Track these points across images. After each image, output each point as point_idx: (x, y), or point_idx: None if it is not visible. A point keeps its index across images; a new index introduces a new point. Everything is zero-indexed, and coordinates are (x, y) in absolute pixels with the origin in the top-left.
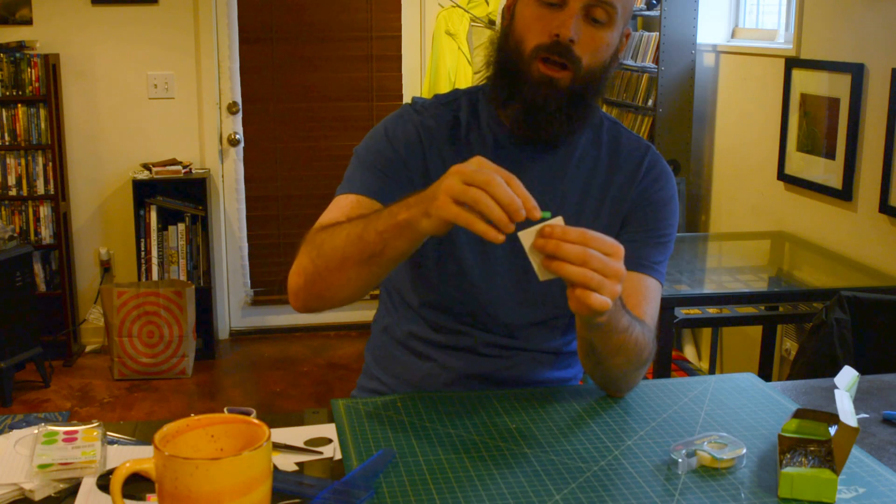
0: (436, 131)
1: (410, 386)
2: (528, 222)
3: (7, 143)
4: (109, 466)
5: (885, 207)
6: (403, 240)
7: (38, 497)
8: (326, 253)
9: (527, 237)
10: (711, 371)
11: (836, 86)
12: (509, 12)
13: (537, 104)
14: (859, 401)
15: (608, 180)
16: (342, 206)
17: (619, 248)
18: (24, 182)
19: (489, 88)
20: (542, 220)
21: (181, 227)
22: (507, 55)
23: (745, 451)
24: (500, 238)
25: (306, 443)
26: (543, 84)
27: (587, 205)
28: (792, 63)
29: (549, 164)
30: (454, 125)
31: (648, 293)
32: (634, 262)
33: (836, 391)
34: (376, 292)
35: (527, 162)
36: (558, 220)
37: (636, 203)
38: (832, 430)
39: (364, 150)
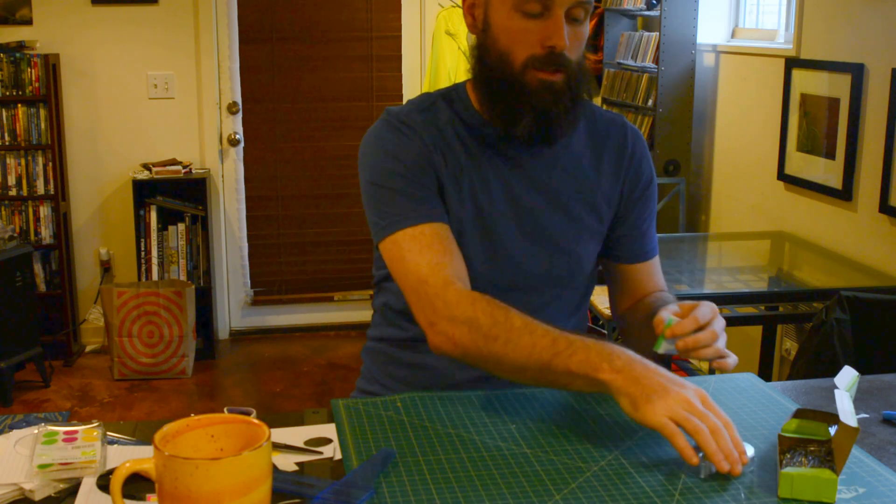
0: (427, 139)
1: (410, 388)
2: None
3: (7, 143)
4: (109, 466)
5: (885, 207)
6: (591, 388)
7: (38, 497)
8: (505, 352)
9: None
10: (711, 371)
11: (836, 86)
12: (479, 20)
13: (547, 110)
14: (859, 401)
15: (597, 162)
16: (424, 243)
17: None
18: (24, 182)
19: (483, 101)
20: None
21: (181, 227)
22: (491, 68)
23: (752, 453)
24: (695, 461)
25: (306, 443)
26: (545, 89)
27: (583, 189)
28: (792, 63)
29: (538, 156)
30: (437, 131)
31: (658, 268)
32: (646, 252)
33: (836, 391)
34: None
35: (520, 157)
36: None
37: (633, 189)
38: (832, 430)
39: (384, 179)
